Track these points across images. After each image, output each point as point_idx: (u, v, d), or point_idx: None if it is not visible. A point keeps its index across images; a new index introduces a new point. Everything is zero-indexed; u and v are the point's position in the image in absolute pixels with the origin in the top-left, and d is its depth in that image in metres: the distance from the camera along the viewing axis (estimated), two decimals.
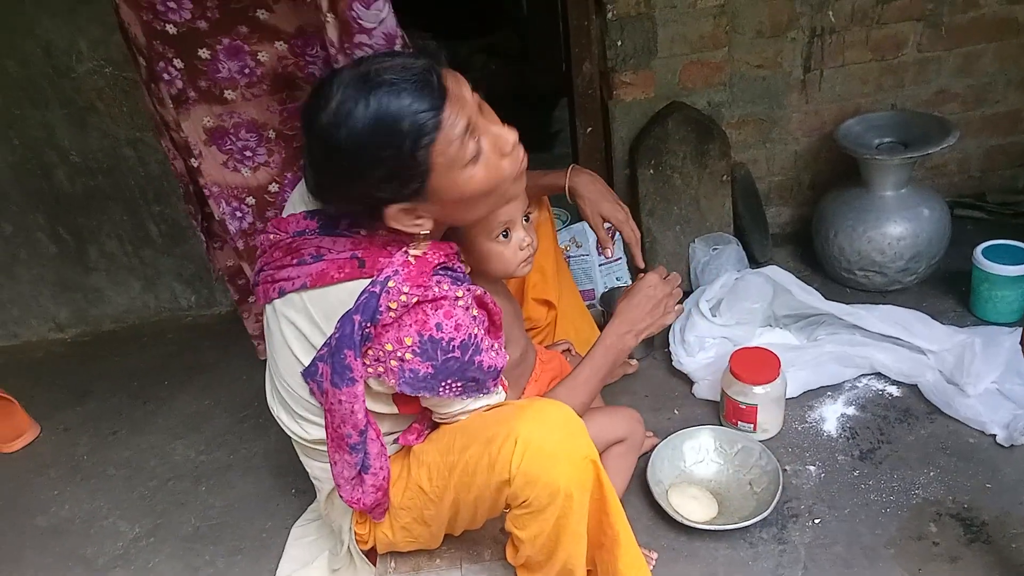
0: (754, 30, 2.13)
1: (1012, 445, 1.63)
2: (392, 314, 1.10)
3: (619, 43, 2.05)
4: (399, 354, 1.11)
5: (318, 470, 1.38)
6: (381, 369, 1.13)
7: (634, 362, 1.99)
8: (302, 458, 1.41)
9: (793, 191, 2.42)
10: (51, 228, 2.37)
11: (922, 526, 1.51)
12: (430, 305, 1.11)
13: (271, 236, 1.26)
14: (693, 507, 1.58)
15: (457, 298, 1.13)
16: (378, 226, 1.14)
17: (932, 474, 1.61)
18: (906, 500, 1.57)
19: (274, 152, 1.72)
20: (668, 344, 1.98)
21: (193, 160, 1.71)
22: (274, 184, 1.77)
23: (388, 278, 1.11)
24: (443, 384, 1.15)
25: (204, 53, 1.57)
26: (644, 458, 1.67)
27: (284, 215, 1.27)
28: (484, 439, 1.17)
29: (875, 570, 1.44)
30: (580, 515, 1.18)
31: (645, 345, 2.05)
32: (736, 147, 2.25)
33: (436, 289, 1.12)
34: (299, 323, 1.19)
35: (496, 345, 1.20)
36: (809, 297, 1.91)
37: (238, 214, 1.78)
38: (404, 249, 1.15)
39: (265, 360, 2.03)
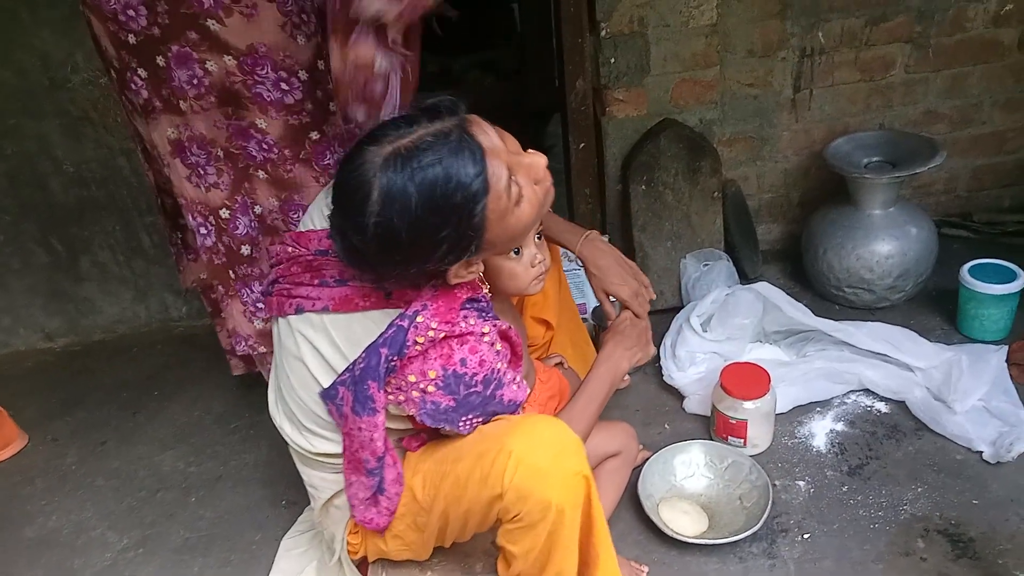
0: (745, 49, 2.16)
1: (999, 462, 1.64)
2: (418, 347, 1.11)
3: (612, 60, 2.08)
4: (422, 386, 1.13)
5: (317, 479, 1.37)
6: (403, 398, 1.15)
7: (626, 377, 2.01)
8: (300, 467, 1.40)
9: (783, 208, 2.45)
10: (43, 238, 2.37)
11: (910, 542, 1.52)
12: (456, 340, 1.13)
13: (289, 249, 1.25)
14: (683, 521, 1.59)
15: (483, 334, 1.14)
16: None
17: (920, 490, 1.63)
18: (894, 516, 1.58)
19: (223, 172, 1.66)
20: (659, 359, 1.99)
21: (165, 170, 1.70)
22: (224, 209, 1.70)
23: (417, 312, 1.12)
24: (463, 419, 1.17)
25: (160, 61, 1.54)
26: (635, 472, 1.68)
27: (302, 229, 1.27)
28: (477, 453, 1.18)
29: None
30: (572, 530, 1.18)
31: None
32: (727, 164, 2.28)
33: (463, 324, 1.13)
34: (318, 343, 1.19)
35: (518, 378, 1.21)
36: (799, 313, 1.93)
37: (203, 230, 1.72)
38: (432, 283, 1.15)
39: (239, 375, 2.04)
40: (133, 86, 1.58)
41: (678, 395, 1.94)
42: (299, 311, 1.21)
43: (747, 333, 1.96)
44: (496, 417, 1.23)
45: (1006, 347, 1.87)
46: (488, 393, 1.16)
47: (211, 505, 1.85)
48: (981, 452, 1.67)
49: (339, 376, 1.18)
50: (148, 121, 1.62)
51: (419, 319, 1.12)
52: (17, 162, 2.25)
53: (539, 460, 1.13)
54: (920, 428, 1.77)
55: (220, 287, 1.81)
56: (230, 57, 1.52)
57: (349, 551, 1.41)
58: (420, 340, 1.11)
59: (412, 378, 1.13)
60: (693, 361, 1.93)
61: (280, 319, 1.26)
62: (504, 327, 1.20)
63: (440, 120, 1.05)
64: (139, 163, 2.23)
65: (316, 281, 1.19)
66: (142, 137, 1.69)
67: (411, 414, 1.16)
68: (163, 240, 2.39)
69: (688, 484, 1.70)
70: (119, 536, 1.80)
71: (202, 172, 1.67)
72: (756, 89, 2.22)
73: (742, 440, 1.73)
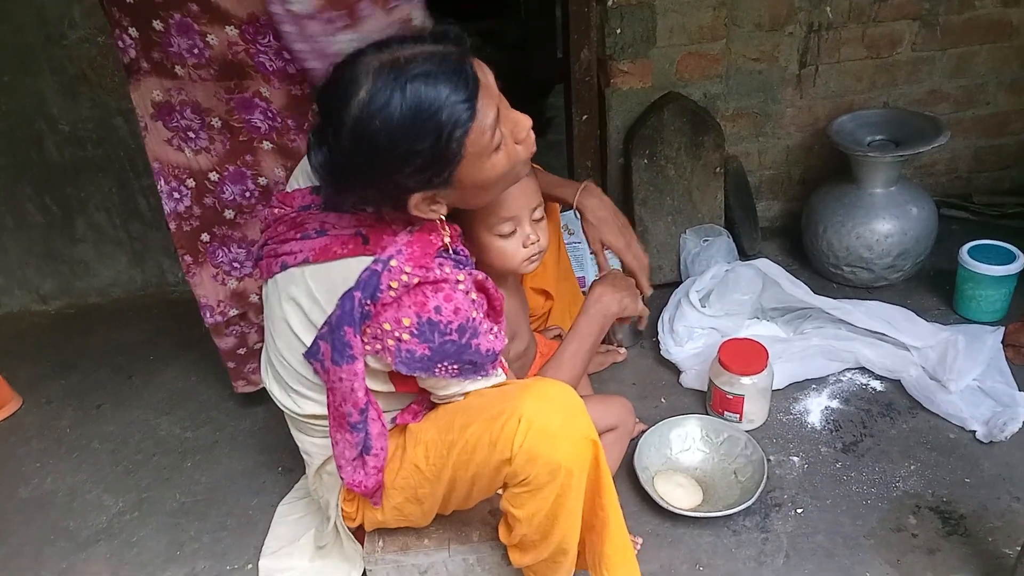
0: (753, 23, 2.14)
1: (991, 441, 1.66)
2: (392, 293, 1.10)
3: (618, 31, 2.05)
4: (397, 334, 1.11)
5: (309, 444, 1.38)
6: (379, 347, 1.13)
7: (623, 351, 2.01)
8: (293, 432, 1.41)
9: (784, 185, 2.44)
10: (39, 198, 2.34)
11: (902, 518, 1.54)
12: (430, 287, 1.11)
13: (276, 211, 1.25)
14: (678, 494, 1.60)
15: (458, 281, 1.13)
16: (391, 210, 1.14)
17: (913, 468, 1.64)
18: (887, 492, 1.59)
19: (215, 141, 1.66)
20: (656, 333, 1.99)
21: (141, 132, 1.67)
22: (214, 173, 1.70)
23: (391, 257, 1.11)
24: (439, 366, 1.15)
25: (158, 24, 1.52)
26: (631, 445, 1.69)
27: (288, 190, 1.26)
28: (486, 417, 1.17)
29: (855, 560, 1.47)
30: (578, 494, 1.19)
31: (633, 334, 2.07)
32: (729, 140, 2.27)
33: (438, 271, 1.12)
34: (299, 299, 1.19)
35: (495, 329, 1.20)
36: (798, 291, 1.93)
37: (175, 195, 1.71)
38: (408, 228, 1.15)
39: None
40: (120, 44, 1.56)
41: (675, 369, 1.94)
42: (284, 267, 1.21)
43: (745, 309, 1.96)
44: (504, 383, 1.24)
45: (1002, 328, 1.88)
46: (463, 342, 1.14)
47: (207, 470, 1.86)
48: (974, 431, 1.69)
49: (319, 331, 1.17)
50: (131, 81, 1.61)
51: (393, 263, 1.10)
52: (12, 120, 2.22)
53: (549, 423, 1.14)
54: (914, 407, 1.78)
55: (187, 256, 1.79)
56: (232, 27, 1.51)
57: (345, 518, 1.41)
58: (394, 285, 1.10)
59: (387, 326, 1.11)
60: (691, 336, 1.94)
61: (269, 282, 1.26)
62: (480, 277, 1.18)
63: (444, 44, 1.06)
64: (136, 123, 2.20)
65: (299, 235, 1.19)
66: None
67: (388, 363, 1.14)
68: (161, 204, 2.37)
69: (683, 458, 1.71)
70: (115, 499, 1.80)
71: (191, 136, 1.66)
72: (762, 64, 2.20)
73: (738, 415, 1.74)
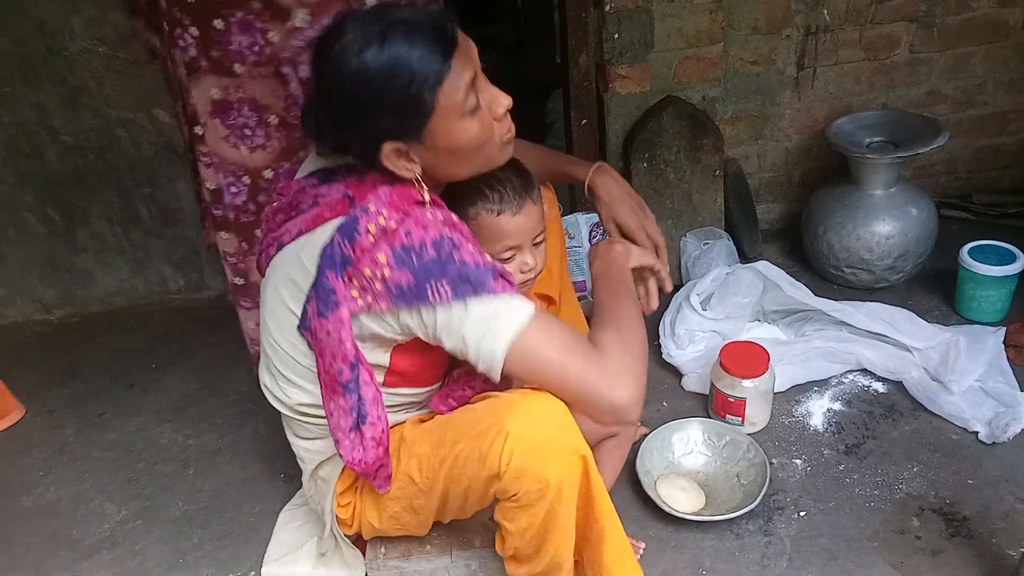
0: (750, 26, 2.14)
1: (994, 442, 1.65)
2: (371, 238, 1.09)
3: (616, 36, 2.06)
4: (379, 274, 1.09)
5: (302, 449, 1.38)
6: (369, 299, 1.11)
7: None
8: (289, 436, 1.41)
9: (783, 188, 2.44)
10: (40, 208, 2.35)
11: (905, 520, 1.53)
12: (402, 224, 1.11)
13: (275, 204, 1.28)
14: (681, 498, 1.60)
15: (425, 211, 1.13)
16: (372, 168, 1.16)
17: (915, 469, 1.64)
18: (890, 494, 1.59)
19: (272, 137, 1.72)
20: (658, 337, 1.99)
21: (198, 128, 1.71)
22: (269, 171, 1.76)
23: (370, 202, 1.12)
24: (429, 288, 1.08)
25: (218, 24, 1.57)
26: (633, 449, 1.68)
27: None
28: (475, 433, 1.17)
29: (858, 562, 1.47)
30: (569, 510, 1.18)
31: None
32: (728, 143, 2.27)
33: (411, 213, 1.12)
34: (292, 273, 1.19)
35: (477, 248, 1.14)
36: (799, 293, 1.93)
37: (232, 189, 1.78)
38: (390, 184, 1.15)
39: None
40: (181, 43, 1.60)
41: (676, 373, 1.94)
42: (280, 247, 1.22)
43: (746, 312, 1.96)
44: (528, 314, 1.11)
45: (1003, 329, 1.87)
46: (443, 257, 1.09)
47: (209, 477, 1.86)
48: (977, 432, 1.68)
49: (306, 297, 1.17)
50: (190, 79, 1.65)
51: (371, 207, 1.11)
52: (14, 131, 2.22)
53: (536, 438, 1.12)
54: (917, 408, 1.78)
55: (243, 243, 1.84)
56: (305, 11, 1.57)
57: (341, 525, 1.41)
58: (371, 228, 1.09)
59: (367, 271, 1.10)
60: (692, 339, 1.94)
61: (264, 278, 1.28)
62: (455, 218, 1.16)
63: (437, 9, 1.11)
64: (137, 133, 2.24)
65: (294, 214, 1.21)
66: (182, 92, 1.71)
67: (384, 308, 1.11)
68: (162, 212, 2.38)
69: (686, 461, 1.71)
70: (117, 507, 1.80)
71: (249, 132, 1.71)
72: (759, 67, 2.21)
73: (740, 418, 1.74)
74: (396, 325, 1.15)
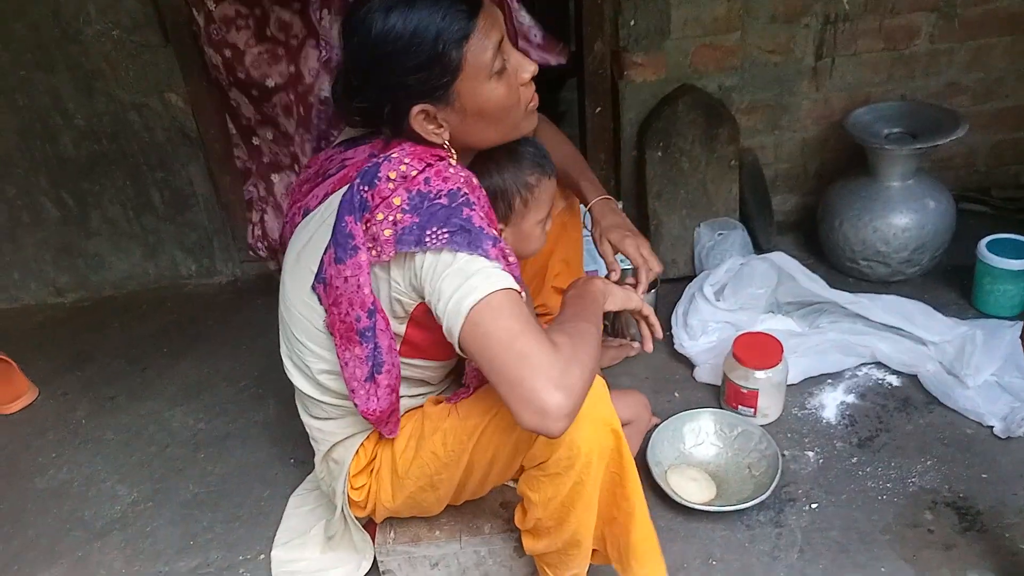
0: (768, 15, 2.12)
1: (1009, 437, 1.64)
2: (391, 185, 1.10)
3: (632, 23, 2.04)
4: (391, 218, 1.09)
5: (316, 430, 1.38)
6: (378, 250, 1.10)
7: (636, 345, 2.00)
8: (303, 417, 1.41)
9: (799, 179, 2.42)
10: (54, 193, 2.36)
11: (918, 514, 1.52)
12: (423, 172, 1.11)
13: (301, 176, 1.31)
14: (692, 488, 1.59)
15: (449, 164, 1.14)
16: (401, 134, 1.17)
17: (929, 463, 1.62)
18: (903, 488, 1.58)
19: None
20: (670, 327, 1.98)
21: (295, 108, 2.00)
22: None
23: (393, 152, 1.13)
24: (428, 232, 1.06)
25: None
26: (644, 439, 1.68)
27: None
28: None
29: (870, 555, 1.45)
30: (595, 483, 1.18)
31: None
32: (744, 133, 2.25)
33: (434, 164, 1.13)
34: (316, 232, 1.20)
35: (488, 217, 1.14)
36: (813, 285, 1.91)
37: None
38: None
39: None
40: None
41: (688, 364, 1.93)
42: (306, 213, 1.23)
43: (760, 303, 1.95)
44: (506, 289, 1.05)
45: (1021, 323, 1.84)
46: (453, 206, 1.07)
47: (220, 461, 1.86)
48: (992, 427, 1.67)
49: (323, 250, 1.17)
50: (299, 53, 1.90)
51: (393, 155, 1.12)
52: (28, 115, 2.23)
53: None
54: (931, 402, 1.76)
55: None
56: None
57: (354, 506, 1.41)
58: (392, 175, 1.10)
59: (380, 216, 1.09)
60: (705, 330, 1.93)
61: (288, 247, 1.29)
62: (476, 182, 1.15)
63: None
64: (150, 118, 2.25)
65: (320, 180, 1.23)
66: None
67: (391, 256, 1.09)
68: (175, 197, 2.39)
69: (697, 452, 1.70)
70: (129, 489, 1.81)
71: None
72: (777, 56, 2.18)
73: (752, 410, 1.73)
74: (401, 281, 1.13)
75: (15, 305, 2.54)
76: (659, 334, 1.39)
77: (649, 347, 1.39)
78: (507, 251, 1.11)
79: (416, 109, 1.13)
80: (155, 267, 2.53)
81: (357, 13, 1.11)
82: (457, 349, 1.08)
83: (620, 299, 1.31)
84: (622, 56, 2.10)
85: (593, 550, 1.30)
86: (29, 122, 2.24)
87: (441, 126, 1.16)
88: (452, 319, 1.05)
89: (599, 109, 2.23)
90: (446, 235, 1.06)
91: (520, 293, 1.07)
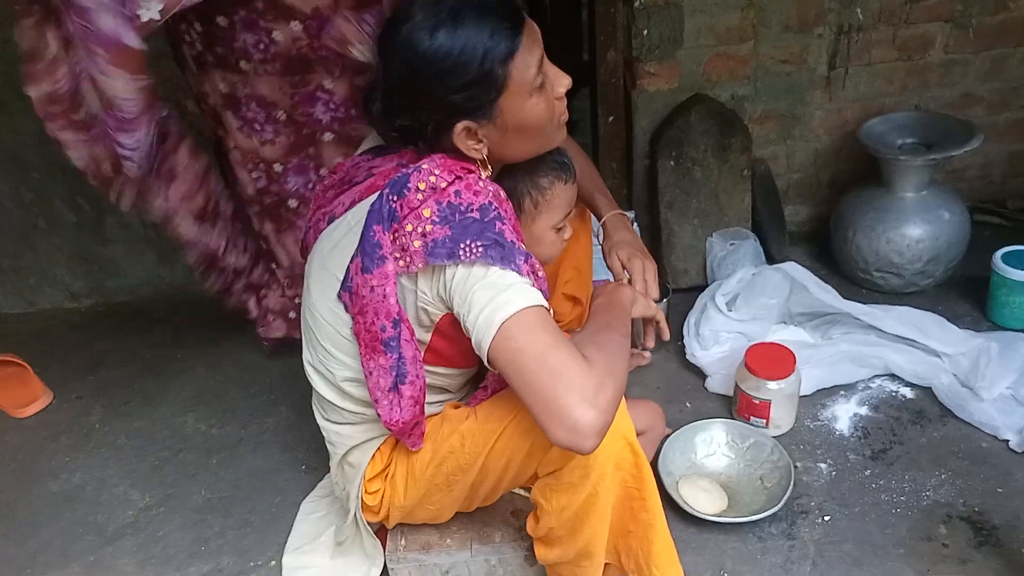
0: (781, 24, 2.12)
1: None
2: (420, 195, 1.10)
3: (645, 32, 2.05)
4: (420, 229, 1.08)
5: (333, 433, 1.38)
6: (408, 260, 1.10)
7: (647, 354, 1.99)
8: (319, 420, 1.41)
9: (811, 189, 2.41)
10: (70, 198, 2.38)
11: (932, 527, 1.51)
12: (453, 184, 1.11)
13: (325, 182, 1.30)
14: (703, 499, 1.58)
15: (479, 178, 1.14)
16: (438, 146, 1.17)
17: (943, 476, 1.61)
18: (916, 501, 1.57)
19: (280, 134, 1.75)
20: (682, 337, 1.98)
21: (216, 124, 1.76)
22: (278, 164, 1.80)
23: (423, 163, 1.13)
24: (462, 246, 1.06)
25: (222, 21, 1.58)
26: (656, 449, 1.67)
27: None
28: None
29: (884, 569, 1.44)
30: (609, 495, 1.18)
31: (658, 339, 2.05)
32: (757, 143, 2.24)
33: (463, 177, 1.13)
34: (340, 241, 1.20)
35: (517, 232, 1.15)
36: (826, 295, 1.90)
37: (255, 175, 1.83)
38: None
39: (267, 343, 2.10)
40: (188, 38, 1.64)
41: (700, 374, 1.93)
42: (331, 220, 1.23)
43: (773, 314, 1.94)
44: (535, 306, 1.06)
45: None
46: (486, 220, 1.08)
47: (232, 467, 1.87)
48: (1007, 441, 1.65)
49: (350, 258, 1.17)
50: (200, 73, 1.69)
51: (424, 166, 1.12)
52: None
53: None
54: (945, 415, 1.75)
55: (268, 224, 1.92)
56: (296, 22, 1.57)
57: (368, 511, 1.41)
58: (421, 186, 1.10)
59: (409, 227, 1.09)
60: (717, 340, 1.92)
61: (311, 253, 1.29)
62: (504, 195, 1.16)
63: None
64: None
65: (346, 187, 1.24)
66: (200, 93, 1.76)
67: (420, 268, 1.09)
68: None
69: (708, 463, 1.69)
70: (141, 494, 1.82)
71: (258, 128, 1.75)
72: (790, 66, 2.18)
73: (764, 420, 1.72)
74: (428, 292, 1.14)
75: (31, 310, 2.56)
76: (666, 336, 1.48)
77: (651, 343, 1.48)
78: (537, 267, 1.12)
79: (460, 126, 1.14)
80: (170, 273, 2.54)
81: (399, 31, 1.10)
82: (486, 362, 1.09)
83: (642, 307, 1.38)
84: (635, 65, 2.10)
85: (606, 564, 1.30)
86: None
87: (480, 141, 1.17)
88: (483, 332, 1.05)
89: (612, 118, 2.23)
90: (480, 248, 1.06)
91: (548, 310, 1.08)
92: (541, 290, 1.09)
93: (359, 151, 1.33)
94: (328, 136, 1.77)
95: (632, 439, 1.16)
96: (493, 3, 1.10)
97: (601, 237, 1.60)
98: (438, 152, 1.17)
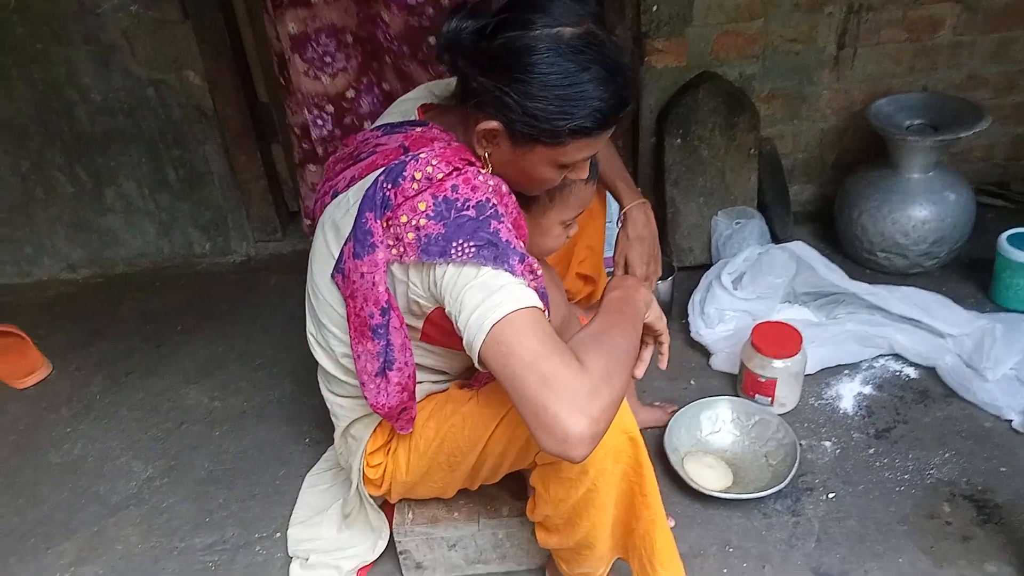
0: (791, 3, 2.10)
1: None
2: (415, 184, 1.07)
3: (654, 8, 2.02)
4: (414, 222, 1.06)
5: (336, 406, 1.37)
6: (401, 250, 1.08)
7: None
8: (323, 392, 1.40)
9: (817, 169, 2.40)
10: (69, 168, 2.35)
11: (935, 505, 1.52)
12: (450, 177, 1.08)
13: (337, 154, 1.29)
14: (708, 476, 1.59)
15: (479, 172, 1.10)
16: (467, 118, 1.14)
17: (947, 455, 1.62)
18: (920, 480, 1.58)
19: (351, 57, 1.86)
20: (687, 315, 1.97)
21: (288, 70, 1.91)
22: (351, 90, 1.90)
23: (421, 151, 1.11)
24: (454, 245, 1.04)
25: None
26: (661, 426, 1.68)
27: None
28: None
29: (887, 546, 1.46)
30: (610, 489, 1.17)
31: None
32: (763, 122, 2.23)
33: (462, 169, 1.10)
34: (339, 221, 1.18)
35: (517, 238, 1.11)
36: (833, 275, 1.90)
37: (319, 122, 1.93)
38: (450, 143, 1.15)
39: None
40: None
41: (704, 352, 1.93)
42: (335, 195, 1.22)
43: (778, 292, 1.94)
44: (531, 306, 1.03)
45: None
46: (481, 218, 1.05)
47: (235, 439, 1.86)
48: (1011, 420, 1.66)
49: (344, 241, 1.15)
50: (276, 17, 1.82)
51: (421, 155, 1.09)
52: (44, 89, 2.22)
53: None
54: (949, 395, 1.76)
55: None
56: None
57: (370, 484, 1.41)
58: (418, 176, 1.07)
59: (404, 218, 1.07)
60: (722, 318, 1.92)
61: (317, 227, 1.27)
62: (506, 188, 1.14)
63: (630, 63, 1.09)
64: (167, 95, 2.24)
65: (351, 162, 1.22)
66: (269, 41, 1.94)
67: (412, 261, 1.08)
68: (190, 175, 2.38)
69: (714, 440, 1.70)
70: (144, 465, 1.82)
71: (329, 59, 1.88)
72: (799, 45, 2.17)
73: (770, 399, 1.72)
74: (419, 285, 1.12)
75: (28, 280, 2.54)
76: (663, 364, 1.29)
77: (641, 372, 1.28)
78: (534, 266, 1.08)
79: (495, 123, 1.08)
80: (169, 244, 2.52)
81: (534, 24, 1.03)
82: (477, 364, 1.06)
83: (655, 316, 1.23)
84: (644, 42, 2.08)
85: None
86: (44, 95, 2.23)
87: (493, 149, 1.14)
88: (473, 334, 1.01)
89: None
90: (472, 248, 1.03)
91: (544, 311, 1.06)
92: (538, 289, 1.06)
93: (372, 126, 1.30)
94: (388, 59, 1.89)
95: (634, 433, 1.15)
96: (619, 83, 1.04)
97: (616, 217, 1.59)
98: (449, 130, 1.15)
